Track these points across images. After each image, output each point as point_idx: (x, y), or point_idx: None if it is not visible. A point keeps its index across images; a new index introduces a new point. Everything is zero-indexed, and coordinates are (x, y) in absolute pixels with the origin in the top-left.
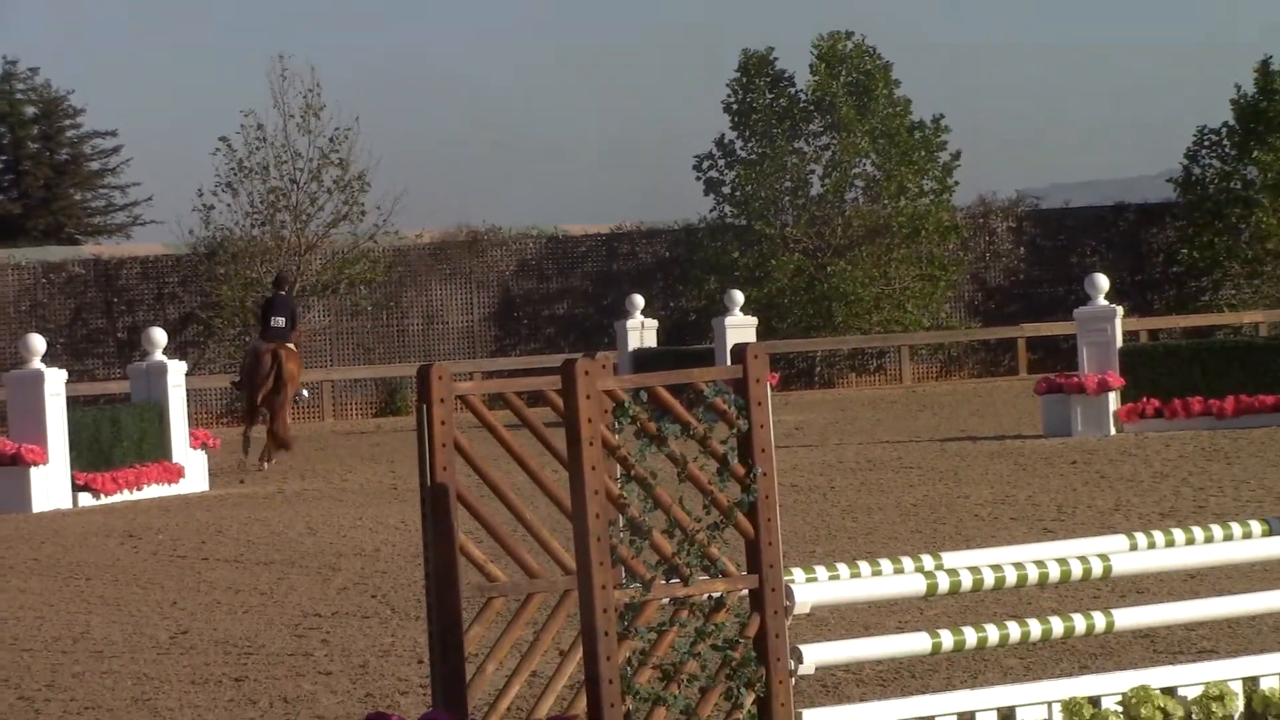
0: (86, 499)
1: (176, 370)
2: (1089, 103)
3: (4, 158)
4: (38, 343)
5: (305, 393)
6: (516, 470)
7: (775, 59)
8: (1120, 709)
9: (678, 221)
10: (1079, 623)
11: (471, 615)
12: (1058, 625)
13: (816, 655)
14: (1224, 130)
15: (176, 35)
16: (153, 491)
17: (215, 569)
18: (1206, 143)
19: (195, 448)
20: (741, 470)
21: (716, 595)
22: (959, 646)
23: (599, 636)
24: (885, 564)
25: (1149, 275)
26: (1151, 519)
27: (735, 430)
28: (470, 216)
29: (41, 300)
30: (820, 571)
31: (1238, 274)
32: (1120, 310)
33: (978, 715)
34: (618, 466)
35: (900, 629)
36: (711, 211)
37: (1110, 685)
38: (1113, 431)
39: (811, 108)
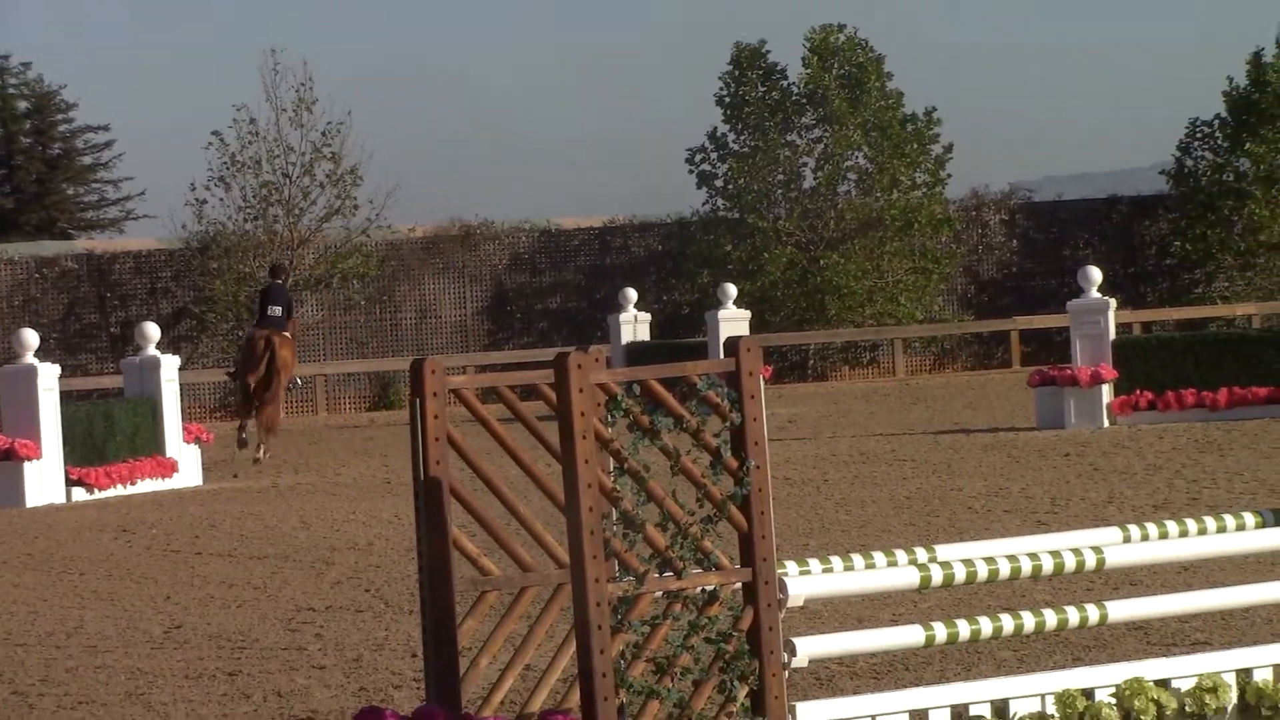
0: (80, 494)
1: (170, 365)
2: (1082, 96)
3: None
4: (31, 338)
5: (299, 380)
6: (510, 464)
7: (768, 52)
8: (1114, 701)
9: (670, 215)
10: (1072, 615)
11: (465, 609)
12: (1051, 617)
13: (810, 648)
14: (1216, 122)
15: (172, 31)
16: (146, 486)
17: (209, 563)
18: (1199, 135)
19: (189, 442)
20: (735, 463)
21: (710, 588)
22: (952, 639)
23: (592, 630)
24: (879, 557)
25: (1142, 267)
26: (1145, 511)
27: (728, 423)
28: (463, 211)
29: (34, 295)
30: (814, 564)
31: (1230, 266)
32: (1113, 303)
33: (971, 707)
34: (611, 460)
35: (894, 621)
36: (704, 205)
37: (1104, 677)
38: (1106, 424)
39: (804, 100)
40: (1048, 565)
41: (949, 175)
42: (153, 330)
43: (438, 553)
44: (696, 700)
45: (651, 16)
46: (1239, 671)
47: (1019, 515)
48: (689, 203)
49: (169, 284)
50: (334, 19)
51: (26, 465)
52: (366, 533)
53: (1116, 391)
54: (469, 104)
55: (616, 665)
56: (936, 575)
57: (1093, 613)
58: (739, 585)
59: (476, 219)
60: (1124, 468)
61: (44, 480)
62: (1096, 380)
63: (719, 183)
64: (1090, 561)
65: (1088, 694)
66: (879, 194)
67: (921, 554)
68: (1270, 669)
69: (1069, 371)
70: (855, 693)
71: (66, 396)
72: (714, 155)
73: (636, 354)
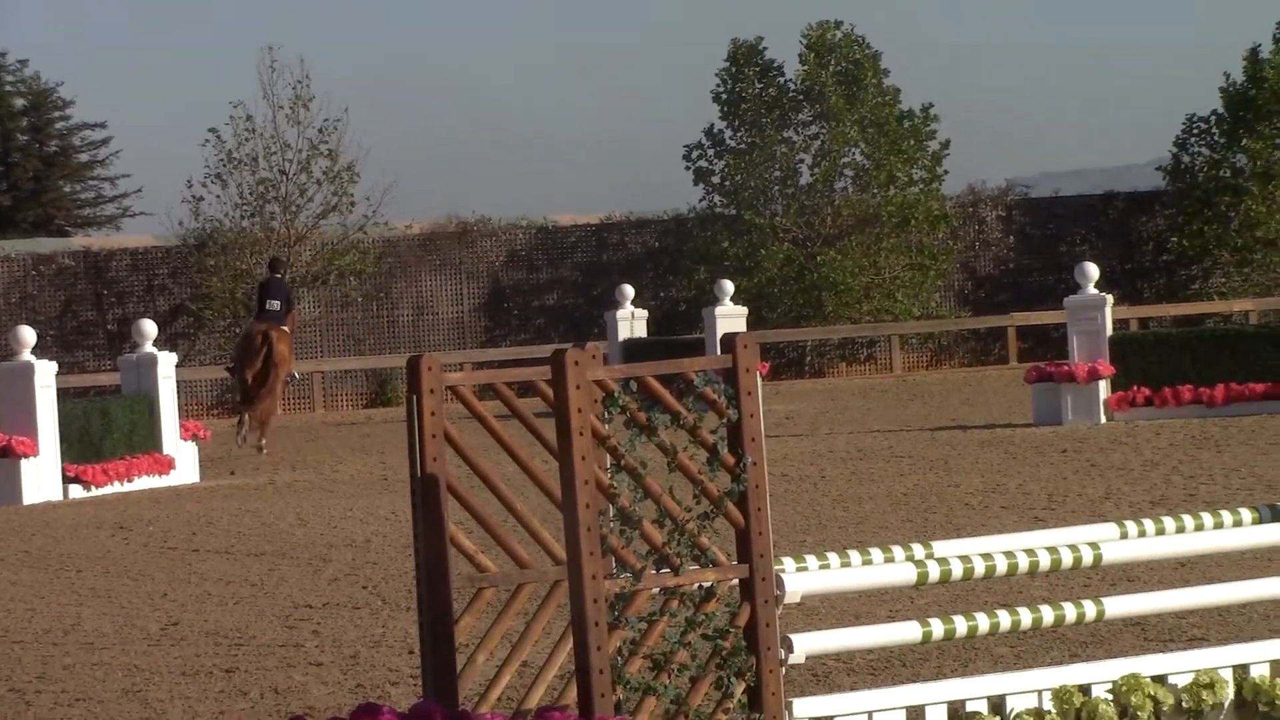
0: (77, 491)
1: (167, 362)
2: (1078, 93)
3: None
4: (27, 335)
5: (296, 374)
6: (507, 461)
7: (764, 48)
8: (1111, 697)
9: (667, 211)
10: (1069, 611)
11: (462, 606)
12: (1048, 614)
13: (807, 644)
14: (1213, 118)
15: (169, 29)
16: (143, 483)
17: (206, 560)
18: (1196, 131)
19: (186, 439)
20: (731, 460)
21: (707, 585)
22: (949, 635)
23: (589, 626)
24: (876, 553)
25: (1139, 264)
26: (1142, 507)
27: (725, 420)
28: (460, 208)
29: (31, 292)
30: (811, 561)
31: (1227, 262)
32: (1110, 299)
33: (968, 704)
34: (608, 456)
35: (891, 618)
36: (701, 201)
37: (1101, 673)
38: (1103, 420)
39: (800, 97)
40: (1045, 561)
41: (946, 171)
42: (149, 327)
43: (435, 549)
44: (694, 696)
45: (650, 15)
46: (1236, 667)
47: (1016, 511)
48: (686, 199)
49: (166, 281)
50: (334, 19)
51: (23, 462)
52: (363, 530)
53: (1114, 388)
54: (467, 102)
55: (613, 661)
56: (934, 572)
57: (1090, 609)
58: (736, 581)
59: (473, 216)
60: (1121, 464)
61: (41, 477)
62: (1094, 376)
63: (716, 179)
64: (1087, 558)
65: (1085, 690)
66: (876, 190)
67: (919, 550)
68: (1267, 664)
69: (1066, 368)
70: (852, 689)
71: (63, 394)
72: (711, 152)
73: (633, 351)
